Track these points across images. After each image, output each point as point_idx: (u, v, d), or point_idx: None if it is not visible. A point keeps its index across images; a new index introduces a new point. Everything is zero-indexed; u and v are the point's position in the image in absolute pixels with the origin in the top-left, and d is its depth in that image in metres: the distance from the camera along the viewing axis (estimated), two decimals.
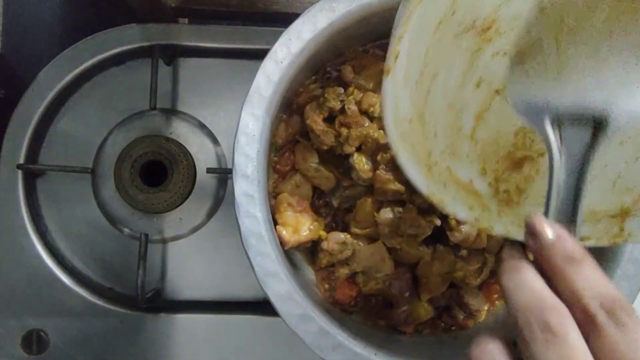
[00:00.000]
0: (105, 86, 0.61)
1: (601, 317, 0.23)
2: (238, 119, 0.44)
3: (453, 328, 0.52)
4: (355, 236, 0.49)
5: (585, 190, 0.28)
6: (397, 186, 0.47)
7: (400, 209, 0.48)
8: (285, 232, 0.48)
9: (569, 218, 0.28)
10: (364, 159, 0.48)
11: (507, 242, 0.30)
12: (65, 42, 0.59)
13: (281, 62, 0.45)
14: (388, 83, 0.29)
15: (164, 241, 0.59)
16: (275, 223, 0.48)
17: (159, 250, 0.59)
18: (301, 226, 0.49)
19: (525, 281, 0.26)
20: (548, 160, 0.28)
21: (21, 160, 0.57)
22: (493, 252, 0.50)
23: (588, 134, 0.28)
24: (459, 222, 0.48)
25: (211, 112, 0.61)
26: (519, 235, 0.31)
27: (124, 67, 0.61)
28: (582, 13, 0.27)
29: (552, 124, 0.28)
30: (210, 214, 0.60)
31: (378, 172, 0.47)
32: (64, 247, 0.59)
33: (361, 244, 0.49)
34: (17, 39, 0.62)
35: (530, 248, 0.27)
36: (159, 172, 0.59)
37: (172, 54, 0.61)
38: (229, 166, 0.60)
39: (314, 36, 0.46)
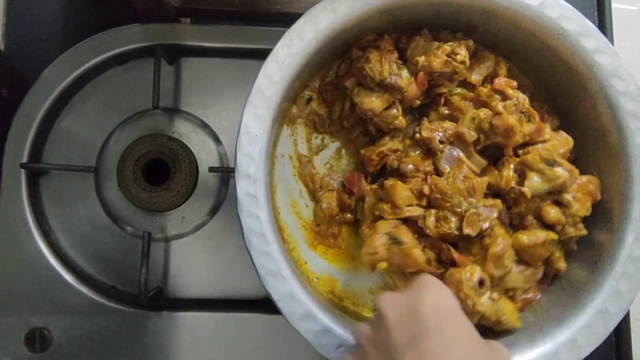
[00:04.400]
0: (108, 85, 0.61)
1: None
2: (240, 119, 0.44)
3: None
4: None
5: None
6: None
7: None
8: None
9: None
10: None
11: None
12: (68, 42, 0.60)
13: (283, 62, 0.45)
14: None
15: (167, 239, 0.60)
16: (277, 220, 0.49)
17: (162, 249, 0.59)
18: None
19: None
20: None
21: (24, 160, 0.58)
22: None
23: None
24: None
25: (213, 111, 0.61)
26: None
27: (127, 66, 0.61)
28: None
29: None
30: (213, 213, 0.60)
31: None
32: (67, 245, 0.59)
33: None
34: (21, 38, 0.63)
35: None
36: (161, 171, 0.59)
37: (175, 54, 0.61)
38: (231, 165, 0.60)
39: (316, 36, 0.46)
